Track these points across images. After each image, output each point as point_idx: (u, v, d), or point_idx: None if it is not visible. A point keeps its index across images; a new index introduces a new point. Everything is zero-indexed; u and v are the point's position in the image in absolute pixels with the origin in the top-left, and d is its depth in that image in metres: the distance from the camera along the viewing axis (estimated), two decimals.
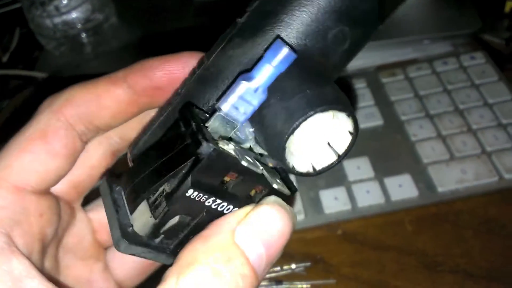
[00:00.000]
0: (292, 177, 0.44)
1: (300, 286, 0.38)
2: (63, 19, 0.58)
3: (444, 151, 0.45)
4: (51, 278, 0.18)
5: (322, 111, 0.17)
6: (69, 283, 0.22)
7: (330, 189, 0.43)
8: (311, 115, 0.17)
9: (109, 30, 0.63)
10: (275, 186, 0.19)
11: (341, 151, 0.19)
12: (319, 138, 0.18)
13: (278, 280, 0.39)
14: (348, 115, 0.18)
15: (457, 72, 0.51)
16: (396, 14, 0.61)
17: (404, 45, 0.56)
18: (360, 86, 0.51)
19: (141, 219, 0.19)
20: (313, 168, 0.19)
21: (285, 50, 0.17)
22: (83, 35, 0.60)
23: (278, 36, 0.18)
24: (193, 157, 0.17)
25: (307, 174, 0.19)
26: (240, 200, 0.19)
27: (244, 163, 0.18)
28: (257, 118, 0.18)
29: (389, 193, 0.42)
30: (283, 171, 0.21)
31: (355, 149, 0.47)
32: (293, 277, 0.39)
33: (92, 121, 0.21)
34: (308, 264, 0.40)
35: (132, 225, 0.19)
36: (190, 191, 0.17)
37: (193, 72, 0.20)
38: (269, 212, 0.17)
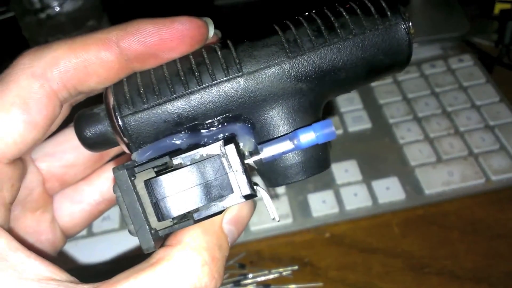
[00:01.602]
0: None
1: None
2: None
3: (431, 153, 0.45)
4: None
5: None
6: (17, 234, 0.22)
7: (318, 193, 0.43)
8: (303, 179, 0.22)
9: None
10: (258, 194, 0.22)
11: None
12: None
13: (266, 284, 0.39)
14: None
15: (445, 74, 0.52)
16: None
17: None
18: None
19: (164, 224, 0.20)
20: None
21: (332, 131, 0.21)
22: None
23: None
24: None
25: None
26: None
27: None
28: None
29: (376, 196, 0.43)
30: None
31: (343, 153, 0.48)
32: (281, 280, 0.39)
33: (78, 87, 0.20)
34: (295, 267, 0.40)
35: (156, 230, 0.20)
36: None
37: (222, 67, 0.20)
38: (244, 208, 0.21)
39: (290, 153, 0.21)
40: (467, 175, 0.43)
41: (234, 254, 0.41)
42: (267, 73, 0.20)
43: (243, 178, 0.20)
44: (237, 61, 0.20)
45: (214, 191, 0.20)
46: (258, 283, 0.39)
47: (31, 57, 0.19)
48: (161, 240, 0.20)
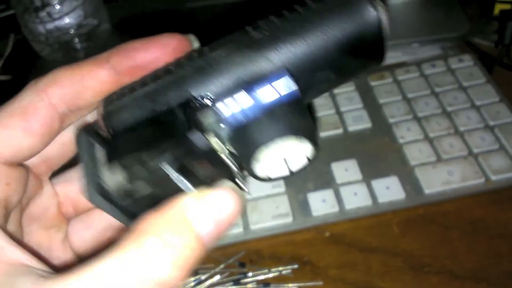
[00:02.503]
0: (280, 180, 0.44)
1: None
2: (56, 25, 0.59)
3: (431, 153, 0.45)
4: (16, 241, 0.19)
5: (291, 138, 0.20)
6: (30, 246, 0.23)
7: (318, 192, 0.43)
8: (282, 139, 0.20)
9: (102, 35, 0.63)
10: (237, 181, 0.21)
11: (294, 169, 0.21)
12: (282, 154, 0.21)
13: (265, 283, 0.39)
14: (312, 145, 0.20)
15: (445, 74, 0.52)
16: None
17: (393, 49, 0.57)
18: (348, 89, 0.52)
19: (114, 180, 0.20)
20: (268, 177, 0.21)
21: (294, 88, 0.20)
22: (76, 40, 0.61)
23: (288, 70, 0.20)
24: (182, 138, 0.19)
25: (262, 179, 0.21)
26: (200, 184, 0.20)
27: (224, 158, 0.20)
28: (241, 129, 0.20)
29: (376, 195, 0.43)
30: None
31: (343, 152, 0.48)
32: (280, 279, 0.39)
33: (75, 102, 0.22)
34: (295, 266, 0.40)
35: (104, 181, 0.20)
36: (166, 166, 0.19)
37: (190, 56, 0.21)
38: (223, 195, 0.19)
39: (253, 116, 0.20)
40: (467, 175, 0.43)
41: (234, 253, 0.41)
42: (228, 53, 0.20)
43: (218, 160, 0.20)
44: (206, 49, 0.21)
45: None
46: (258, 282, 0.39)
47: (37, 79, 0.21)
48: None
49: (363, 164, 0.45)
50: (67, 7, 0.58)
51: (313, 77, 0.21)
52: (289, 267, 0.40)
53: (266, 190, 0.44)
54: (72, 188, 0.26)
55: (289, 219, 0.42)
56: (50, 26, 0.59)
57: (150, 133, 0.20)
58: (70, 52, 0.62)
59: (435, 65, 0.53)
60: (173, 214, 0.18)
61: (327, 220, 0.42)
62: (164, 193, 0.20)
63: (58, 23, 0.59)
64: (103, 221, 0.27)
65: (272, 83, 0.20)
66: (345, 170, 0.45)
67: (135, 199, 0.21)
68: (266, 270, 0.40)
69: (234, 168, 0.21)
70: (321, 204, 0.43)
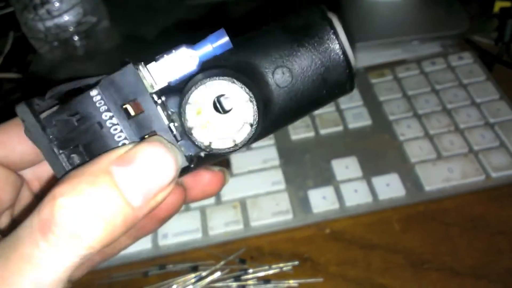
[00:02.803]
0: (279, 177, 0.44)
1: (288, 284, 0.39)
2: (55, 22, 0.59)
3: (431, 150, 0.45)
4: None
5: (216, 79, 0.20)
6: None
7: (319, 189, 0.43)
8: (207, 82, 0.20)
9: (101, 32, 0.63)
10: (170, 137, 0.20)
11: (238, 139, 0.20)
12: (221, 120, 0.20)
13: (266, 279, 0.39)
14: (249, 100, 0.20)
15: (445, 72, 0.52)
16: (385, 15, 0.61)
17: (393, 46, 0.57)
18: None
19: (50, 106, 0.21)
20: (210, 146, 0.20)
21: (226, 39, 0.20)
22: (75, 38, 0.61)
23: (224, 28, 0.21)
24: (117, 71, 0.19)
25: (203, 149, 0.21)
26: (133, 137, 0.20)
27: (152, 93, 0.20)
28: (182, 87, 0.21)
29: (376, 192, 0.43)
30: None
31: (344, 149, 0.48)
32: (281, 276, 0.39)
33: None
34: (296, 263, 0.40)
35: (39, 105, 0.21)
36: (95, 92, 0.19)
37: None
38: (150, 148, 0.19)
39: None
40: (467, 172, 0.43)
41: (234, 250, 0.41)
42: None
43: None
44: None
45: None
46: (258, 279, 0.39)
47: None
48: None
49: (364, 161, 0.45)
50: (66, 5, 0.58)
51: (272, 73, 0.22)
52: (290, 263, 0.40)
53: (267, 187, 0.44)
54: None
55: (289, 216, 0.42)
56: (49, 23, 0.59)
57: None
58: (69, 49, 0.61)
59: (435, 62, 0.53)
60: (95, 167, 0.18)
61: (327, 217, 0.42)
62: (91, 140, 0.20)
63: (57, 20, 0.59)
64: None
65: (209, 40, 0.20)
66: (346, 167, 0.45)
67: (62, 140, 0.20)
68: (266, 267, 0.40)
69: (164, 118, 0.20)
70: (322, 201, 0.43)
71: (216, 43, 0.20)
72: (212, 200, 0.44)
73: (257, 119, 0.20)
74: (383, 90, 0.51)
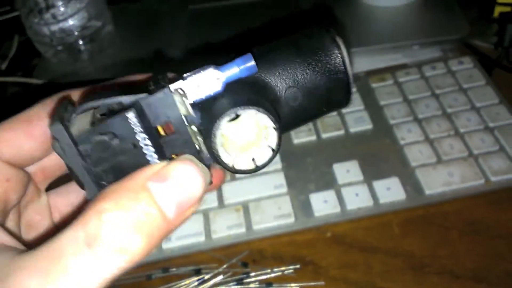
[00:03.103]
0: (281, 181, 0.45)
1: None
2: (60, 26, 0.60)
3: (431, 154, 0.45)
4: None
5: (246, 108, 0.21)
6: None
7: (320, 192, 0.44)
8: (241, 108, 0.21)
9: (106, 37, 0.64)
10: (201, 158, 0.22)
11: (260, 163, 0.22)
12: (245, 143, 0.22)
13: (268, 283, 0.40)
14: (274, 128, 0.21)
15: (445, 76, 0.52)
16: (386, 20, 0.62)
17: (393, 51, 0.57)
18: None
19: (81, 123, 0.21)
20: (233, 167, 0.22)
21: (252, 62, 0.21)
22: (80, 42, 0.62)
23: (252, 51, 0.21)
24: (148, 91, 0.20)
25: (227, 168, 0.22)
26: (163, 156, 0.21)
27: (183, 116, 0.21)
28: (207, 107, 0.22)
29: (377, 196, 0.43)
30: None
31: (345, 153, 0.48)
32: (283, 279, 0.40)
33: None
34: (297, 266, 0.40)
35: (70, 122, 0.21)
36: (131, 114, 0.20)
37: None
38: (183, 166, 0.20)
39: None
40: (467, 176, 0.43)
41: (236, 253, 0.42)
42: None
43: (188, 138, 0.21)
44: None
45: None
46: (260, 282, 0.40)
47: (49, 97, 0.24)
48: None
49: (364, 165, 0.45)
50: (71, 9, 0.59)
51: (282, 92, 0.23)
52: (291, 267, 0.40)
53: (269, 191, 0.45)
54: (61, 201, 0.28)
55: (291, 220, 0.43)
56: (54, 27, 0.60)
57: (123, 89, 0.21)
58: (74, 53, 0.62)
59: (435, 67, 0.53)
60: (132, 183, 0.19)
61: (328, 220, 0.43)
62: (125, 159, 0.21)
63: (63, 24, 0.60)
64: None
65: (236, 63, 0.21)
66: (347, 171, 0.45)
67: (96, 159, 0.21)
68: (268, 270, 0.40)
69: (197, 143, 0.21)
70: (323, 204, 0.43)
71: (243, 66, 0.21)
72: (215, 203, 0.44)
73: (279, 145, 0.22)
74: (383, 95, 0.52)
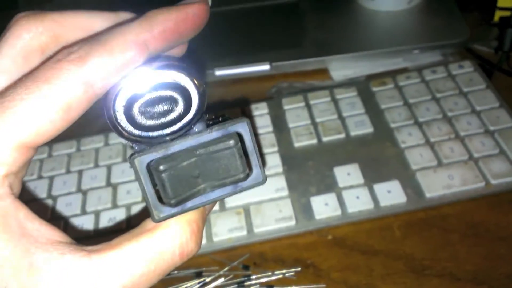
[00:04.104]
0: (282, 184, 0.45)
1: None
2: None
3: (432, 157, 0.46)
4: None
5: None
6: None
7: (321, 195, 0.44)
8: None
9: None
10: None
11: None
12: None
13: (269, 285, 0.40)
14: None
15: (445, 80, 0.52)
16: (386, 24, 0.62)
17: (394, 55, 0.58)
18: (350, 94, 0.53)
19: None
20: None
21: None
22: None
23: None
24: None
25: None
26: None
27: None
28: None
29: (378, 198, 0.43)
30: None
31: (346, 156, 0.48)
32: (284, 282, 0.40)
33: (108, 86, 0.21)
34: (298, 269, 0.41)
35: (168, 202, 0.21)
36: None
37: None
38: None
39: None
40: (467, 179, 0.43)
41: (238, 255, 0.42)
42: None
43: (256, 162, 0.21)
44: None
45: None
46: (261, 284, 0.40)
47: (76, 63, 0.19)
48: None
49: (365, 168, 0.46)
50: None
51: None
52: (293, 270, 0.40)
53: (270, 194, 0.45)
54: None
55: (292, 222, 0.43)
56: None
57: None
58: None
59: (436, 71, 0.54)
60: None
61: (329, 223, 0.43)
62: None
63: None
64: None
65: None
66: (347, 174, 0.45)
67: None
68: (269, 273, 0.40)
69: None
70: (324, 207, 0.43)
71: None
72: (216, 206, 0.44)
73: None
74: (384, 98, 0.52)
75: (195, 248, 0.22)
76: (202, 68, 0.59)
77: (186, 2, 0.22)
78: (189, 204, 0.21)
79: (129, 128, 0.20)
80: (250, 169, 0.22)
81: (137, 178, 0.20)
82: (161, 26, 0.20)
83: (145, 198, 0.21)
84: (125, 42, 0.20)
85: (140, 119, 0.20)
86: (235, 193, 0.22)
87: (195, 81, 0.21)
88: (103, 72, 0.19)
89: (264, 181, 0.22)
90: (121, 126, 0.20)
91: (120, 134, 0.21)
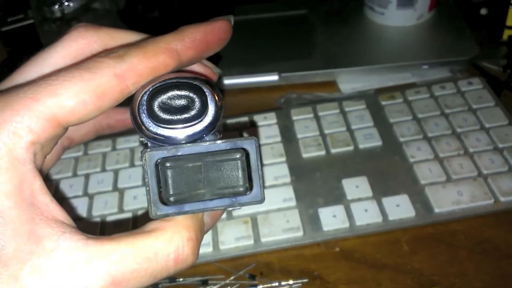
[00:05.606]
0: (290, 194, 0.45)
1: None
2: None
3: (441, 173, 0.45)
4: None
5: None
6: None
7: (329, 207, 0.44)
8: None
9: None
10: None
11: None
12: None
13: None
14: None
15: (454, 96, 0.53)
16: (396, 39, 0.63)
17: (403, 70, 0.58)
18: (359, 107, 0.53)
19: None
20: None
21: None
22: None
23: None
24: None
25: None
26: None
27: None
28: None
29: (386, 212, 0.43)
30: None
31: (354, 169, 0.48)
32: None
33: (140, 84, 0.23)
34: (305, 280, 0.40)
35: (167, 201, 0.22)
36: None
37: None
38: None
39: None
40: (476, 195, 0.43)
41: (244, 265, 0.41)
42: None
43: (258, 181, 0.22)
44: None
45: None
46: None
47: (115, 59, 0.21)
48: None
49: (374, 182, 0.45)
50: (87, 19, 0.60)
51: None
52: (299, 281, 0.40)
53: (277, 204, 0.45)
54: None
55: (299, 233, 0.42)
56: None
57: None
58: None
59: (445, 87, 0.54)
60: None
61: (337, 235, 0.43)
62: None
63: None
64: None
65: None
66: (356, 187, 0.45)
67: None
68: (276, 283, 0.40)
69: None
70: (332, 219, 0.43)
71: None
72: (223, 215, 0.44)
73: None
74: (393, 112, 0.52)
75: (191, 257, 0.22)
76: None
77: (212, 19, 0.24)
78: (187, 207, 0.22)
79: (149, 123, 0.22)
80: (251, 187, 0.22)
81: (145, 172, 0.22)
82: (191, 37, 0.23)
83: (147, 193, 0.22)
84: (158, 47, 0.22)
85: (160, 113, 0.22)
86: (232, 205, 0.22)
87: (216, 95, 0.22)
88: (137, 69, 0.21)
89: (262, 200, 0.23)
90: (142, 121, 0.22)
91: (140, 129, 0.22)
